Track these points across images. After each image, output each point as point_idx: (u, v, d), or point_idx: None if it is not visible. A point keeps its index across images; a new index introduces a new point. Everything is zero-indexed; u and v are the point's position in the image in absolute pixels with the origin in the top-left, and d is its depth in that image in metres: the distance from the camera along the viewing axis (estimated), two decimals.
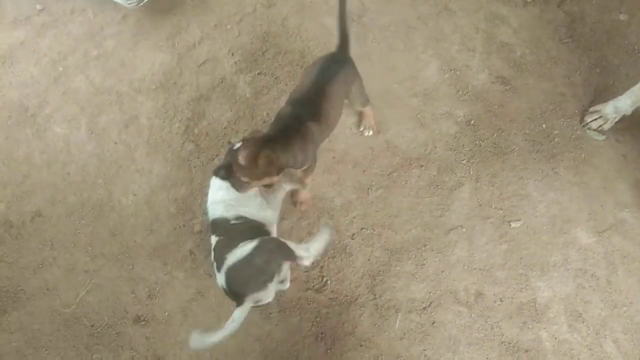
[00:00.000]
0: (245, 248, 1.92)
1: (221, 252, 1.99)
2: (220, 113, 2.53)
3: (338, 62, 2.10)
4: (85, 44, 2.74)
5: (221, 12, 2.75)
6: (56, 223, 2.47)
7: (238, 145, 1.97)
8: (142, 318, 2.34)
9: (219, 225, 2.09)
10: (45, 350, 2.31)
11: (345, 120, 2.50)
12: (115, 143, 2.57)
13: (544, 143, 2.52)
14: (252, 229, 2.03)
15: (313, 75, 2.06)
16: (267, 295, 2.02)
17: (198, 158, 2.47)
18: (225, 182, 2.05)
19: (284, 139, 1.90)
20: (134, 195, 2.47)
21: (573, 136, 2.52)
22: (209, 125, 2.51)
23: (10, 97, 2.65)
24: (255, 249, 1.90)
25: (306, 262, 1.94)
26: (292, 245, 1.93)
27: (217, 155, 2.47)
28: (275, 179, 1.91)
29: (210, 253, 2.08)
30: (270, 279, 1.92)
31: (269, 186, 2.00)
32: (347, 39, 2.14)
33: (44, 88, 2.67)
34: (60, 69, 2.69)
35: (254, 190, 2.00)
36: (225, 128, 2.50)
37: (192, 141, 2.50)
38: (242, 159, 1.79)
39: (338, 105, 2.14)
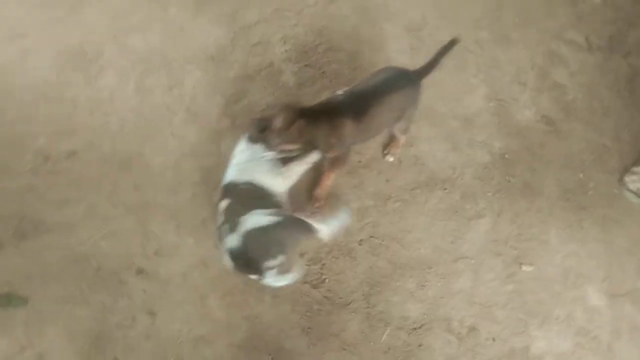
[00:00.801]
0: (265, 218, 2.27)
1: (233, 215, 2.32)
2: (261, 96, 2.85)
3: (409, 81, 2.35)
4: (151, 6, 3.19)
5: None
6: (88, 166, 2.88)
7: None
8: (145, 272, 2.68)
9: (229, 190, 2.41)
10: (51, 280, 2.68)
11: None
12: (158, 104, 3.04)
13: (577, 193, 2.69)
14: (262, 196, 2.37)
15: (379, 79, 2.33)
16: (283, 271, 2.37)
17: (231, 134, 2.77)
18: (247, 146, 2.47)
19: (317, 119, 2.22)
20: (164, 156, 2.81)
21: (608, 193, 2.68)
22: (248, 105, 2.84)
23: (73, 41, 3.14)
24: (279, 224, 2.26)
25: (325, 236, 2.32)
26: (313, 222, 2.30)
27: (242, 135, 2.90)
28: (299, 146, 2.28)
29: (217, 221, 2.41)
30: (286, 253, 2.31)
31: (292, 151, 2.35)
32: (431, 69, 2.42)
33: (104, 39, 3.14)
34: (123, 24, 3.20)
35: (281, 149, 2.31)
36: (262, 110, 2.81)
37: (229, 117, 2.84)
38: (278, 122, 2.19)
39: (385, 119, 2.38)
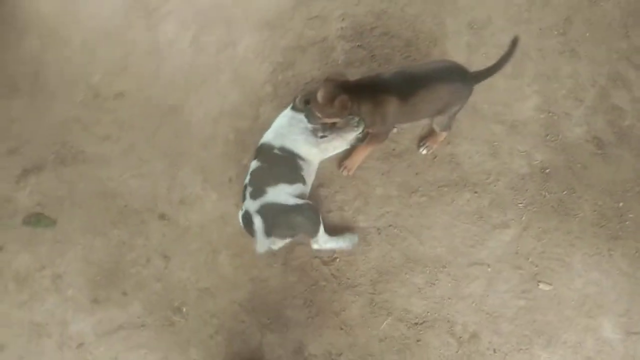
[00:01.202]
0: (289, 199, 2.47)
1: (260, 181, 2.50)
2: (308, 69, 2.99)
3: (463, 79, 2.42)
4: None
5: None
6: (133, 107, 3.06)
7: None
8: (166, 217, 2.87)
9: (263, 151, 2.58)
10: (79, 208, 2.90)
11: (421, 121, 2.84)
12: (209, 59, 3.23)
13: (612, 221, 2.66)
14: (290, 167, 2.54)
15: (435, 66, 2.44)
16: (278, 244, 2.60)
17: (271, 102, 2.96)
18: (290, 112, 2.65)
19: (361, 94, 2.34)
20: (205, 110, 3.00)
21: None
22: (293, 76, 2.99)
23: None
24: (298, 208, 2.44)
25: (315, 247, 2.59)
26: (320, 227, 2.50)
27: (287, 104, 3.11)
28: (340, 120, 2.44)
29: (244, 179, 2.60)
30: (292, 236, 2.55)
31: (333, 124, 2.53)
32: (489, 76, 2.51)
33: None
34: None
35: (322, 122, 2.48)
36: (306, 84, 2.95)
37: (273, 84, 2.99)
38: (320, 96, 2.32)
39: (429, 107, 2.45)
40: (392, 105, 2.38)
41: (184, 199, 2.92)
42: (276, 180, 2.52)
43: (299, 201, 2.50)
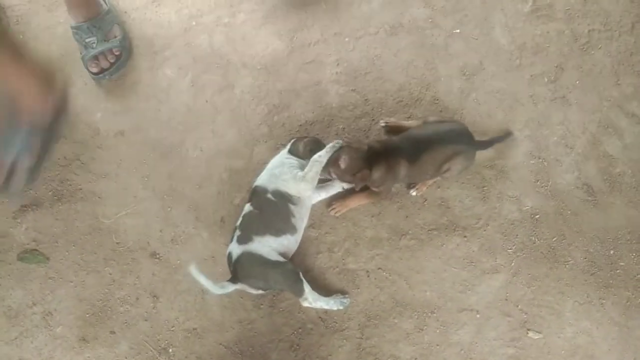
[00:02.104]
0: (272, 254, 2.54)
1: (249, 227, 2.58)
2: (302, 111, 3.08)
3: (470, 144, 2.61)
4: (222, 10, 3.55)
5: (346, 24, 3.41)
6: (131, 147, 3.15)
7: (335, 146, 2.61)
8: (158, 256, 2.91)
9: (257, 194, 2.67)
10: (73, 245, 2.96)
11: None
12: (206, 101, 3.31)
13: (604, 269, 2.67)
14: (281, 215, 2.59)
15: (443, 127, 2.59)
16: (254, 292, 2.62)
17: (265, 142, 3.03)
18: (287, 154, 2.76)
19: (377, 160, 2.48)
20: (201, 150, 3.08)
21: (638, 276, 2.70)
22: (288, 118, 3.08)
23: (145, 32, 3.62)
24: (278, 264, 2.50)
25: (304, 304, 2.60)
26: (306, 288, 2.52)
27: (282, 145, 3.05)
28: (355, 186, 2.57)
29: (236, 221, 2.69)
30: (266, 289, 2.59)
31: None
32: (489, 146, 2.75)
33: (173, 34, 3.55)
34: (193, 23, 3.60)
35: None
36: (300, 126, 3.04)
37: (268, 125, 3.07)
38: (343, 163, 2.48)
39: (435, 167, 2.58)
40: (403, 168, 2.52)
41: (175, 238, 2.98)
42: (264, 230, 2.60)
43: (280, 259, 2.57)
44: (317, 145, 2.73)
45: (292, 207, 2.65)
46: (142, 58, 3.38)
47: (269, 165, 2.82)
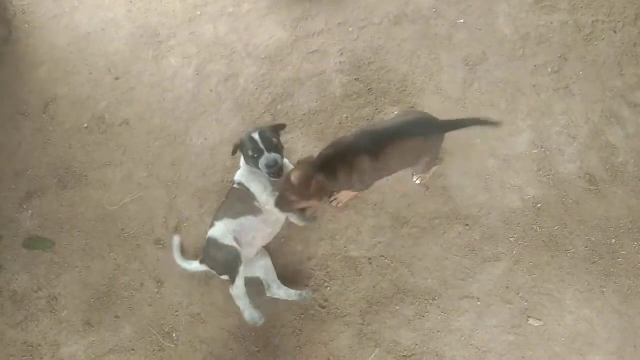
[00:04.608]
0: (227, 237, 2.55)
1: (216, 214, 2.71)
2: (306, 100, 3.11)
3: (433, 128, 2.42)
4: (226, 0, 3.69)
5: (350, 14, 3.42)
6: (136, 135, 3.18)
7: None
8: (162, 243, 2.95)
9: (231, 189, 2.75)
10: (78, 231, 3.01)
11: None
12: (211, 90, 3.31)
13: (605, 258, 2.68)
14: (241, 199, 2.63)
15: (401, 120, 2.43)
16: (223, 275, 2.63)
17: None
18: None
19: (335, 165, 2.30)
20: (205, 139, 3.12)
21: (639, 264, 2.73)
22: (292, 107, 3.10)
23: (150, 20, 3.63)
24: (224, 247, 2.52)
25: (231, 292, 2.53)
26: (239, 280, 2.49)
27: (286, 133, 3.11)
28: (319, 203, 2.38)
29: None
30: (220, 274, 2.61)
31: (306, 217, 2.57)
32: (459, 128, 2.47)
33: (178, 23, 3.57)
34: (198, 13, 3.62)
35: (299, 207, 2.42)
36: (304, 115, 3.07)
37: (272, 114, 3.10)
38: (295, 177, 2.23)
39: (403, 160, 2.47)
40: (365, 164, 2.36)
41: (179, 225, 3.01)
42: (223, 215, 2.66)
43: (234, 244, 2.54)
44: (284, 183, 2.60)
45: (248, 196, 2.68)
46: (147, 47, 3.41)
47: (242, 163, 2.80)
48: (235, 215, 2.60)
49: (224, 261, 2.51)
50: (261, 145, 2.50)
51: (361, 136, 2.39)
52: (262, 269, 2.73)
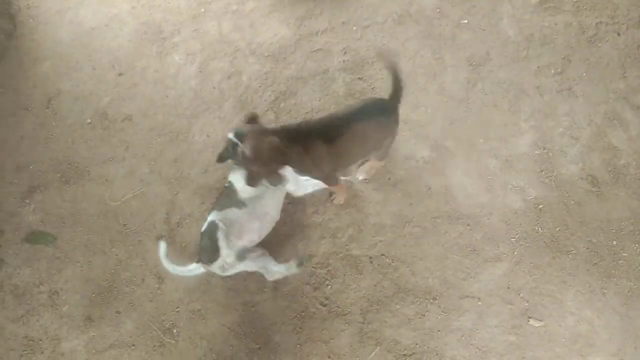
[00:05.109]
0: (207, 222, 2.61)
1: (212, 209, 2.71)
2: (309, 98, 3.11)
3: (383, 111, 2.39)
4: None
5: (354, 13, 3.41)
6: (138, 131, 3.18)
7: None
8: (163, 239, 3.09)
9: (224, 187, 2.76)
10: (80, 226, 3.01)
11: (414, 151, 2.94)
12: (214, 87, 3.30)
13: (606, 259, 2.69)
14: (226, 193, 2.68)
15: (354, 107, 2.39)
16: (216, 270, 2.60)
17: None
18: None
19: (290, 140, 2.23)
20: (207, 136, 3.13)
21: None
22: (295, 105, 3.11)
23: (155, 17, 3.64)
24: (204, 235, 2.57)
25: (269, 278, 2.65)
26: (270, 262, 2.59)
27: None
28: (281, 167, 2.29)
29: None
30: (212, 261, 2.56)
31: (277, 179, 2.41)
32: (400, 92, 2.41)
33: (182, 20, 3.58)
34: (202, 10, 3.63)
35: (267, 178, 2.38)
36: (307, 113, 3.07)
37: (275, 112, 3.10)
38: (248, 148, 2.16)
39: (362, 146, 2.44)
40: (319, 150, 2.32)
41: (181, 221, 3.01)
42: (212, 209, 2.70)
43: (214, 224, 2.59)
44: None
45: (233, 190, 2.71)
46: (151, 43, 3.41)
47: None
48: (220, 208, 2.63)
49: (201, 241, 2.58)
50: (236, 141, 2.50)
51: (321, 121, 2.37)
52: (260, 260, 2.68)
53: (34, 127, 3.29)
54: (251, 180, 2.29)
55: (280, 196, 2.77)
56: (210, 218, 2.62)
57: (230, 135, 2.26)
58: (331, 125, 2.31)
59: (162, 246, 2.67)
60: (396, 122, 2.47)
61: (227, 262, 2.54)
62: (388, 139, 2.53)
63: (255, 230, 2.66)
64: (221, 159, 2.39)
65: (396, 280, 2.78)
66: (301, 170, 2.44)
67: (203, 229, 2.61)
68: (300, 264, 2.69)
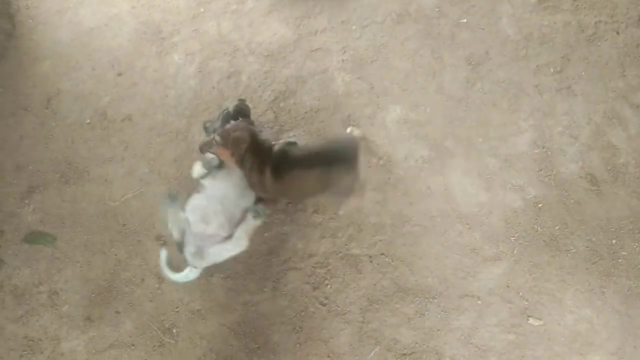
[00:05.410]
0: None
1: None
2: (308, 98, 3.11)
3: (339, 161, 2.46)
4: None
5: (353, 12, 3.41)
6: (138, 131, 3.18)
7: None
8: (163, 239, 2.94)
9: None
10: (80, 226, 3.02)
11: (414, 151, 2.94)
12: (213, 87, 3.31)
13: (605, 258, 2.69)
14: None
15: (313, 149, 2.50)
16: (195, 262, 2.62)
17: (271, 128, 3.08)
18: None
19: (253, 150, 2.39)
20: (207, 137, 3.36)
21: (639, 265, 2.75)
22: (294, 105, 3.11)
23: (154, 17, 3.63)
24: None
25: (243, 247, 2.63)
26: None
27: (287, 131, 3.14)
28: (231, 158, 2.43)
29: None
30: (182, 250, 2.61)
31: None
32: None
33: (181, 20, 3.58)
34: (202, 10, 3.63)
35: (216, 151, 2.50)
36: (306, 112, 3.07)
37: (274, 112, 3.10)
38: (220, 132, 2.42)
39: (307, 189, 2.52)
40: (264, 177, 2.41)
41: None
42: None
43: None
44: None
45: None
46: (150, 43, 3.41)
47: None
48: (186, 198, 2.68)
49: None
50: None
51: (282, 153, 2.47)
52: (228, 242, 2.66)
53: (33, 127, 3.28)
54: (202, 146, 2.49)
55: (236, 180, 2.70)
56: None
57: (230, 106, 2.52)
58: (287, 161, 2.40)
59: (164, 254, 2.71)
60: (351, 178, 2.55)
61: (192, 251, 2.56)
62: (345, 182, 2.55)
63: (219, 214, 2.62)
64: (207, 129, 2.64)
65: (396, 280, 2.78)
66: (248, 181, 2.52)
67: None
68: (257, 214, 2.67)
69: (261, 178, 2.40)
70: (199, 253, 2.57)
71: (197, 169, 2.66)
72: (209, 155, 2.60)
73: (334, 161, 2.43)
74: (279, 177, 2.38)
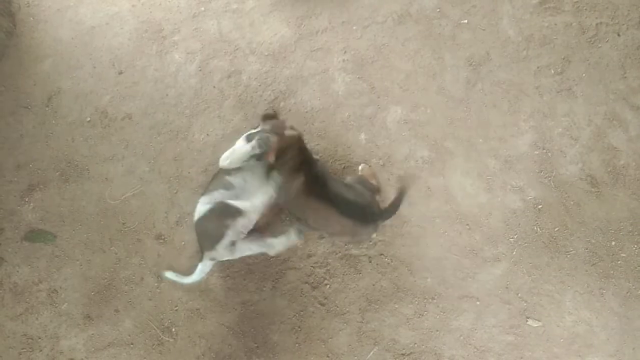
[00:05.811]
0: (205, 206, 2.64)
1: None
2: (308, 98, 3.11)
3: (364, 217, 2.51)
4: None
5: (354, 12, 3.42)
6: (138, 130, 3.18)
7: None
8: (163, 238, 2.96)
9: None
10: (79, 225, 3.03)
11: (414, 151, 2.95)
12: (214, 86, 3.32)
13: (605, 260, 2.70)
14: (215, 176, 2.74)
15: (350, 194, 2.50)
16: (222, 254, 2.63)
17: None
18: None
19: (295, 161, 2.45)
20: (207, 135, 3.14)
21: (639, 267, 2.74)
22: (294, 105, 3.11)
23: (155, 15, 3.65)
24: (210, 212, 2.60)
25: (272, 254, 2.68)
26: (267, 237, 2.62)
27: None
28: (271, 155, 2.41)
29: None
30: (217, 241, 2.58)
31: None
32: (392, 213, 2.60)
33: (182, 19, 3.59)
34: (202, 8, 3.64)
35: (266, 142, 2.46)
36: (306, 112, 3.08)
37: (274, 111, 3.26)
38: (283, 125, 2.49)
39: (326, 225, 2.55)
40: (295, 178, 2.44)
41: (180, 220, 3.02)
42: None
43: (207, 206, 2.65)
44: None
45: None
46: (151, 42, 3.41)
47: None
48: (208, 192, 2.68)
49: (212, 225, 2.60)
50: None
51: (324, 174, 2.52)
52: (257, 243, 2.68)
53: (33, 125, 3.29)
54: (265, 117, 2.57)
55: (261, 176, 2.70)
56: (199, 205, 2.66)
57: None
58: (324, 184, 2.44)
59: (169, 275, 2.79)
60: (369, 233, 2.64)
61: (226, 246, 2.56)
62: (366, 236, 2.66)
63: (249, 210, 2.63)
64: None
65: (395, 280, 2.79)
66: (284, 181, 2.52)
67: (199, 216, 2.63)
68: (299, 232, 2.69)
69: (291, 177, 2.43)
70: (231, 246, 2.58)
71: (234, 155, 2.51)
72: (243, 147, 2.51)
73: (371, 222, 2.51)
74: (308, 191, 2.41)
